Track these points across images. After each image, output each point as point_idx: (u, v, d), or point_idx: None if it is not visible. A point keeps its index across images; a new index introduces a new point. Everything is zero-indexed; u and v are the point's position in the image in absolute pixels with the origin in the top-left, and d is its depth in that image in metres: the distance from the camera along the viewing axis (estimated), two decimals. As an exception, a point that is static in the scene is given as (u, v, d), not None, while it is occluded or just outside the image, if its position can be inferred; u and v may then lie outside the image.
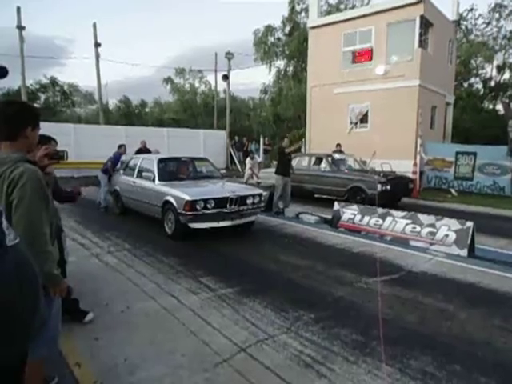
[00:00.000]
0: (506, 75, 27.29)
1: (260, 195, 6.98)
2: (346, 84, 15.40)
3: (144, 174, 7.37)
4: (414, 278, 4.82)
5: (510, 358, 3.03)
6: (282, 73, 29.17)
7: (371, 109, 15.00)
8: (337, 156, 11.16)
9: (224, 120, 23.84)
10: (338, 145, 13.50)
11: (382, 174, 9.95)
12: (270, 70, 28.78)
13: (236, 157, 21.13)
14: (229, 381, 2.72)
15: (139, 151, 11.93)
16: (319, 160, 11.11)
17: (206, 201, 6.12)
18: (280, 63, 28.86)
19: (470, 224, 5.93)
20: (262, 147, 19.81)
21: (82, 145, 15.47)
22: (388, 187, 9.25)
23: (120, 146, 9.76)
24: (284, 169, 8.76)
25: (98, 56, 19.89)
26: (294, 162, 11.02)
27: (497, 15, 25.26)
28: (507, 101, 26.60)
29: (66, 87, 34.46)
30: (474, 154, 12.25)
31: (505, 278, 4.83)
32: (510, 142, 11.76)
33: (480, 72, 27.81)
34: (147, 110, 40.28)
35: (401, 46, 14.22)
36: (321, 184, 10.50)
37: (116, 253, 5.76)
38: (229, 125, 22.46)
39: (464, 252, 5.76)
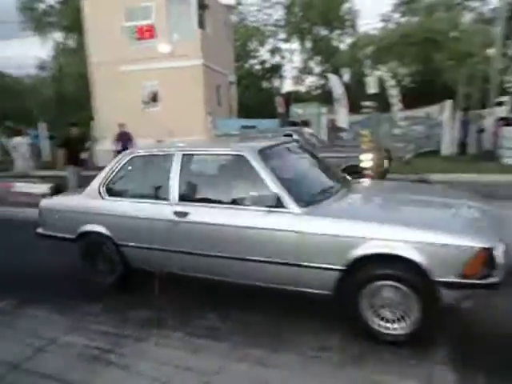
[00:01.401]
0: (278, 58, 31.89)
1: None
2: (134, 62, 14.76)
3: (215, 195, 3.29)
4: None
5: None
6: (61, 46, 25.93)
7: (161, 88, 14.98)
8: (307, 130, 8.95)
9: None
10: (122, 125, 10.31)
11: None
12: (44, 43, 25.14)
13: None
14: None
15: None
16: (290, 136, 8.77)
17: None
18: (58, 36, 25.49)
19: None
20: (44, 134, 17.23)
21: None
22: (390, 163, 8.33)
23: None
24: (73, 159, 7.85)
25: None
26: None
27: (267, 4, 28.89)
28: (279, 80, 31.37)
29: None
30: (255, 127, 14.05)
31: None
32: (278, 116, 14.09)
33: (257, 54, 31.52)
34: None
35: (181, 25, 14.49)
36: None
37: None
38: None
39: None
